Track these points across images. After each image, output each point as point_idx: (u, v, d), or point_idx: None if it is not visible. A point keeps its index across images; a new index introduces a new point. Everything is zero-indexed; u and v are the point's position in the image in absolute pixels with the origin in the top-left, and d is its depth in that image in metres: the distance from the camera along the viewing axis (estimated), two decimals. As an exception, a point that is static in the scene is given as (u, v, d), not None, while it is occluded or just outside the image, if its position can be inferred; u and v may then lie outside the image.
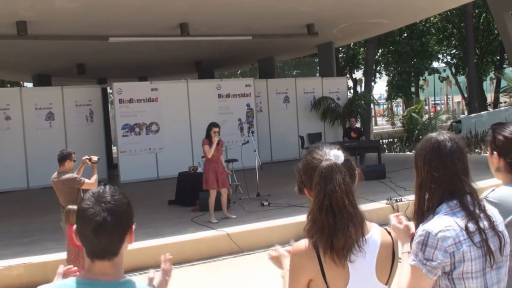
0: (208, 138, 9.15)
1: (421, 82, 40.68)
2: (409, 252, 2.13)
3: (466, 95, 36.54)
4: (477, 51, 31.91)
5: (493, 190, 2.38)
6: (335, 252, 1.81)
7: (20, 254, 7.53)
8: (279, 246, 2.29)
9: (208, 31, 14.73)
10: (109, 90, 24.28)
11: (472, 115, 24.56)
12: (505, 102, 33.25)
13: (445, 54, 36.83)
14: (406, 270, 2.07)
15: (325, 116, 18.24)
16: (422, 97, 36.95)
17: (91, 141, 15.64)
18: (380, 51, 33.03)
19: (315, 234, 1.84)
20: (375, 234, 1.94)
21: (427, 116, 24.08)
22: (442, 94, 58.86)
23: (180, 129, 15.79)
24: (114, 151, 19.40)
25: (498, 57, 32.77)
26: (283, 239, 6.20)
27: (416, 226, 2.13)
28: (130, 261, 6.48)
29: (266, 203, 10.27)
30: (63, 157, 6.69)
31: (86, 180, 6.60)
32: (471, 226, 2.02)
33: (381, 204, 9.28)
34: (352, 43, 29.91)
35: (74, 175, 6.69)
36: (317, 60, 25.09)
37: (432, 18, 31.15)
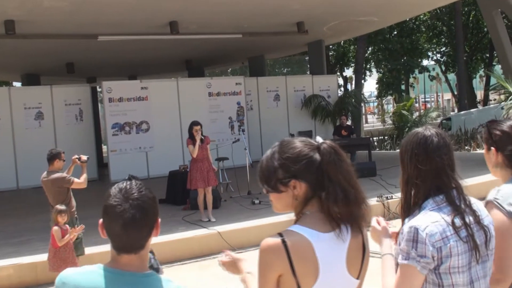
0: (191, 137, 9.11)
1: (411, 80, 40.85)
2: (390, 254, 2.13)
3: (456, 93, 36.72)
4: (467, 49, 32.06)
5: (498, 190, 2.37)
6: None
7: (10, 254, 7.48)
8: (230, 251, 2.26)
9: (198, 29, 14.69)
10: (98, 89, 24.19)
11: (462, 112, 24.65)
12: (494, 99, 33.39)
13: (435, 52, 37.02)
14: (390, 270, 2.07)
15: (315, 114, 18.25)
16: (412, 95, 37.12)
17: (81, 140, 15.56)
18: (370, 49, 33.14)
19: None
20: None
21: (417, 113, 24.17)
22: (432, 91, 59.15)
23: (171, 128, 15.74)
24: (104, 150, 19.33)
25: (487, 55, 32.94)
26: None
27: (403, 221, 2.14)
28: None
29: (257, 201, 10.27)
30: (52, 157, 6.64)
31: (76, 180, 6.56)
32: (458, 221, 2.02)
33: (372, 201, 9.32)
34: (342, 41, 29.97)
35: (64, 174, 6.64)
36: (307, 58, 25.08)
37: (422, 16, 31.29)
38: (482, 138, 2.57)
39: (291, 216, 1.95)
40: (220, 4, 12.35)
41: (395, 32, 32.11)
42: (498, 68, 26.60)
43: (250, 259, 2.16)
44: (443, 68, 36.14)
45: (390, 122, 25.30)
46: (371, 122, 48.29)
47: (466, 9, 31.03)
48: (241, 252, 7.69)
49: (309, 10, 13.82)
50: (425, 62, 37.35)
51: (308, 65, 23.94)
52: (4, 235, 8.89)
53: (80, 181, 6.58)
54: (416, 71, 35.23)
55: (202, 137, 9.14)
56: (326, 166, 1.85)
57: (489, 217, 2.16)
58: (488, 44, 30.84)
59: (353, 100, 19.02)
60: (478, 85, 43.89)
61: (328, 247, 1.81)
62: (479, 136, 17.80)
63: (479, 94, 38.16)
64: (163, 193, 11.43)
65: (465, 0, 29.03)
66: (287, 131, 17.74)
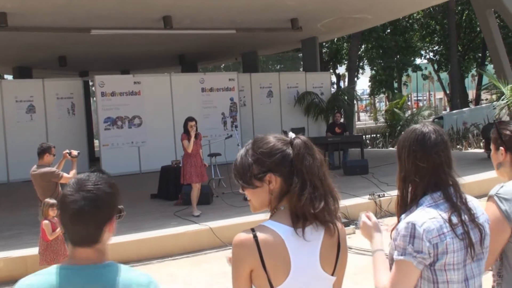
0: (186, 132, 9.23)
1: (404, 78, 40.96)
2: (381, 250, 2.13)
3: (448, 92, 36.86)
4: (460, 48, 32.16)
5: (502, 186, 2.38)
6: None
7: (0, 248, 7.43)
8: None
9: (192, 24, 14.64)
10: (91, 83, 24.05)
11: (454, 111, 24.75)
12: (486, 99, 33.56)
13: (427, 51, 37.11)
14: (382, 266, 2.08)
15: (308, 111, 18.25)
16: (404, 93, 37.22)
17: (73, 134, 15.49)
18: (363, 46, 33.17)
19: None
20: None
21: (409, 112, 24.24)
22: (424, 90, 59.38)
23: (163, 123, 15.69)
24: (96, 144, 19.24)
25: (480, 54, 33.06)
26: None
27: (399, 218, 2.13)
28: (111, 255, 6.42)
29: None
30: (43, 151, 6.61)
31: (65, 174, 6.54)
32: (454, 218, 2.03)
33: (364, 199, 9.34)
34: (335, 38, 29.97)
35: (53, 168, 6.61)
36: (301, 54, 25.08)
37: (415, 14, 31.36)
38: (491, 139, 2.56)
39: None
40: (214, -1, 12.32)
41: (388, 30, 32.15)
42: (490, 67, 26.68)
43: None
44: (436, 67, 36.25)
45: (383, 120, 25.37)
46: (364, 120, 48.39)
47: (459, 8, 31.13)
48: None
49: (303, 6, 13.81)
50: (418, 61, 37.44)
51: (302, 62, 23.94)
52: (-6, 229, 8.84)
53: (69, 176, 6.53)
54: (409, 69, 35.28)
55: (197, 132, 9.26)
56: (296, 160, 1.86)
57: (484, 215, 2.16)
58: (481, 44, 30.95)
59: (346, 97, 19.04)
60: (470, 84, 44.03)
61: (301, 243, 1.82)
62: (471, 135, 17.90)
63: (471, 93, 38.29)
64: (155, 188, 11.40)
65: (458, -1, 29.13)
66: (279, 128, 17.72)
